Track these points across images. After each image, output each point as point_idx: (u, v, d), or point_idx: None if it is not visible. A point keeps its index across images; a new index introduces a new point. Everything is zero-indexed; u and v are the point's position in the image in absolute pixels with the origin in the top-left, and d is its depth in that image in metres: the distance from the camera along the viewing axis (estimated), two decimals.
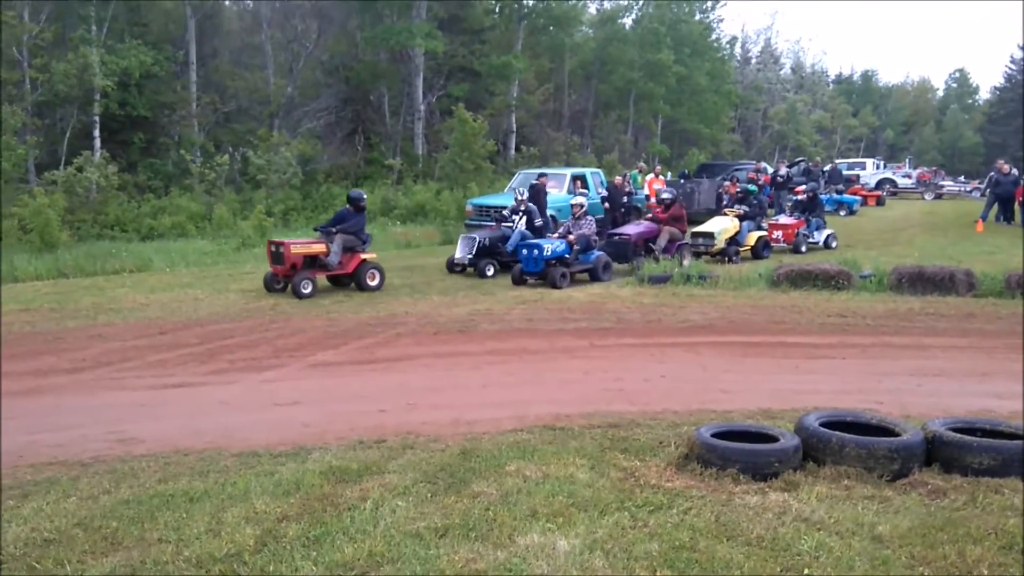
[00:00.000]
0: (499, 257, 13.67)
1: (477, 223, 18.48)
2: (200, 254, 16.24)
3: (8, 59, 20.78)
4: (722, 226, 15.41)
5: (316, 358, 8.06)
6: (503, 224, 14.34)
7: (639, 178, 21.45)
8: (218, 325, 9.65)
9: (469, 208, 19.13)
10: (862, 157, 45.15)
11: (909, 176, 39.20)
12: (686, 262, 13.65)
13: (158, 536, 3.79)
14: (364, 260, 12.01)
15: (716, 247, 14.92)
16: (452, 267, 13.80)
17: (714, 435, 4.59)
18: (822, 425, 4.62)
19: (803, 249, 16.24)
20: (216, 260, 15.77)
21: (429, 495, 4.23)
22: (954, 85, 73.42)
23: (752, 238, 15.64)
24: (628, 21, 39.33)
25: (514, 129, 31.41)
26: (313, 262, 11.73)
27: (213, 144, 24.31)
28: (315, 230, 12.52)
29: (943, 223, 23.05)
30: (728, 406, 6.13)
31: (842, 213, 25.50)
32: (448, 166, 24.93)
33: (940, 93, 74.58)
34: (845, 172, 32.33)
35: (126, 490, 4.43)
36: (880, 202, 30.55)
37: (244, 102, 26.28)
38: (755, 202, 16.56)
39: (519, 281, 12.32)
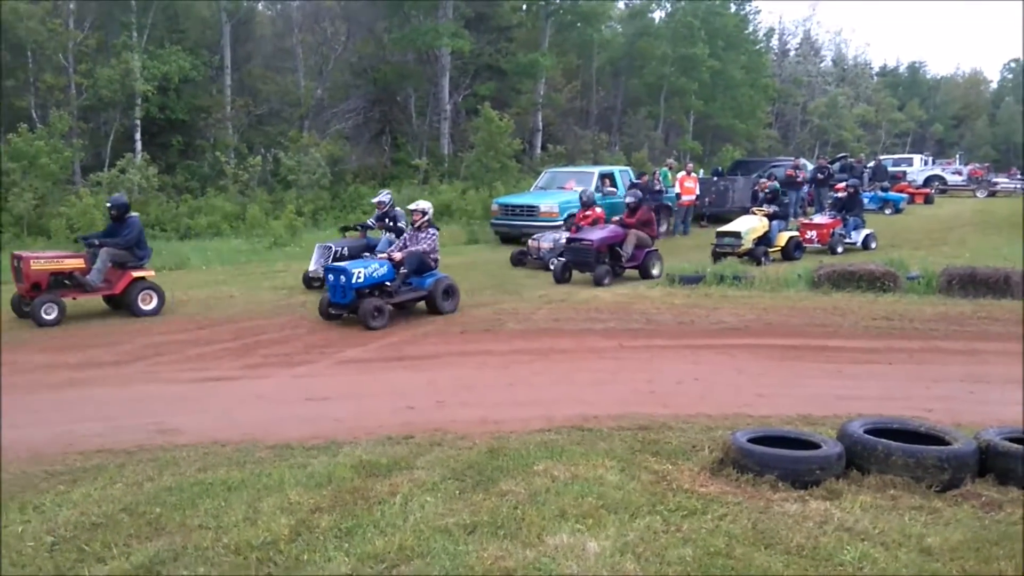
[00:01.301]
0: None
1: (504, 223, 18.51)
2: (234, 252, 16.60)
3: (55, 65, 21.45)
4: (749, 226, 14.87)
5: (345, 355, 8.21)
6: (385, 232, 12.42)
7: (669, 175, 21.21)
8: (252, 321, 9.88)
9: (495, 207, 19.16)
10: (909, 152, 42.98)
11: (960, 172, 37.57)
12: (655, 271, 12.80)
13: (199, 522, 3.93)
14: (137, 279, 10.24)
15: (743, 247, 14.42)
16: (308, 282, 12.04)
17: (751, 440, 4.46)
18: (867, 432, 4.47)
19: (839, 250, 15.71)
20: (249, 258, 16.09)
21: (457, 492, 4.26)
22: (1009, 76, 69.10)
23: (783, 238, 15.12)
24: (658, 15, 38.43)
25: (540, 127, 31.26)
26: (65, 280, 9.95)
27: (246, 146, 24.70)
28: (78, 240, 11.05)
29: (996, 222, 22.07)
30: (765, 411, 5.98)
31: (887, 211, 24.70)
32: (474, 165, 24.97)
33: (994, 85, 70.63)
34: (891, 168, 31.17)
35: (168, 478, 4.60)
36: (929, 200, 29.40)
37: (276, 104, 26.66)
38: (785, 201, 16.05)
39: (326, 315, 9.63)
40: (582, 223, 14.24)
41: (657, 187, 19.73)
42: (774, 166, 24.97)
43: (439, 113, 28.56)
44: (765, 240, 14.88)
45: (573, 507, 3.97)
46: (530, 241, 14.88)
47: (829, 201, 18.95)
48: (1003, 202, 30.08)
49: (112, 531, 3.86)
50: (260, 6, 30.97)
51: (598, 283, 12.00)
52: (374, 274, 9.54)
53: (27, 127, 18.45)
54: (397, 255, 9.93)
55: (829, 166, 24.57)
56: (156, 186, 20.85)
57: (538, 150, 30.86)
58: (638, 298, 11.07)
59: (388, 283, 9.75)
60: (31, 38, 20.33)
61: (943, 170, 37.62)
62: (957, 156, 48.24)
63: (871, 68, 61.84)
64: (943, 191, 33.89)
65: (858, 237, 16.40)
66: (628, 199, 13.44)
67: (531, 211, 17.96)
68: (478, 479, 4.45)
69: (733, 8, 39.50)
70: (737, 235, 14.57)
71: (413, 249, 10.20)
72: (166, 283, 12.76)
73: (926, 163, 37.77)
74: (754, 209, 15.92)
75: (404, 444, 5.24)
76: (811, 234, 16.15)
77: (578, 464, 4.65)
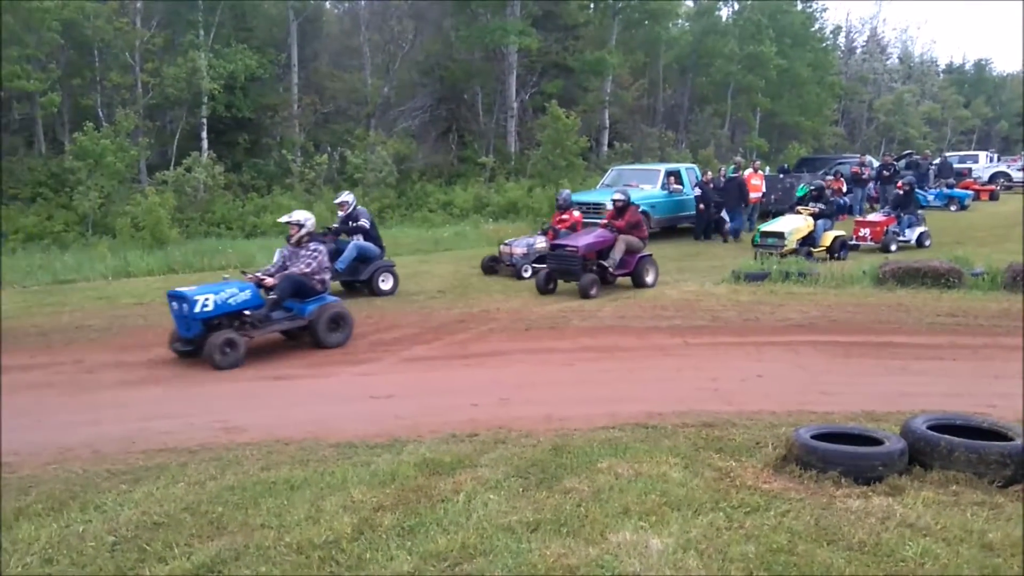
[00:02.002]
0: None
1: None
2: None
3: (121, 64, 21.81)
4: (793, 225, 14.59)
5: (410, 352, 8.22)
6: (352, 237, 11.66)
7: (734, 170, 20.92)
8: None
9: None
10: (974, 150, 43.02)
11: None
12: (649, 278, 11.82)
13: (261, 522, 3.93)
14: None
15: (787, 247, 14.06)
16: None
17: (814, 437, 4.45)
18: (930, 428, 4.47)
19: (892, 248, 15.38)
20: None
21: (521, 490, 4.25)
22: None
23: (828, 238, 14.74)
24: (725, 13, 38.45)
25: (607, 125, 31.16)
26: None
27: (313, 144, 25.01)
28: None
29: None
30: (829, 407, 5.96)
31: (953, 208, 24.72)
32: (540, 163, 24.95)
33: None
34: (956, 165, 31.26)
35: (231, 477, 4.62)
36: (994, 196, 29.36)
37: (342, 103, 26.97)
38: (831, 200, 15.72)
39: (177, 351, 7.93)
40: (559, 227, 13.23)
41: (723, 185, 19.48)
42: (840, 163, 24.94)
43: (506, 111, 28.58)
44: (810, 240, 14.54)
45: (636, 504, 3.97)
46: (501, 246, 13.65)
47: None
48: None
49: (174, 531, 3.87)
50: (327, 4, 31.42)
51: (584, 294, 10.99)
52: (229, 300, 7.79)
53: (93, 126, 18.67)
54: (269, 280, 8.25)
55: (895, 163, 24.62)
56: (222, 184, 21.19)
57: (605, 148, 30.75)
58: (704, 295, 11.09)
59: (249, 311, 8.04)
60: (98, 37, 20.64)
61: (1008, 167, 37.48)
62: (1022, 153, 47.49)
63: (937, 65, 61.73)
64: (1008, 188, 33.86)
65: (912, 235, 16.16)
66: (617, 196, 12.16)
67: (597, 208, 17.85)
68: (542, 477, 4.45)
69: (800, 6, 39.49)
70: (780, 235, 14.28)
71: (293, 272, 8.44)
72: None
73: (991, 160, 37.86)
74: (799, 208, 15.54)
75: (468, 442, 5.22)
76: (865, 232, 15.92)
77: (642, 461, 4.65)
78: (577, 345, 8.47)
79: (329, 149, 24.26)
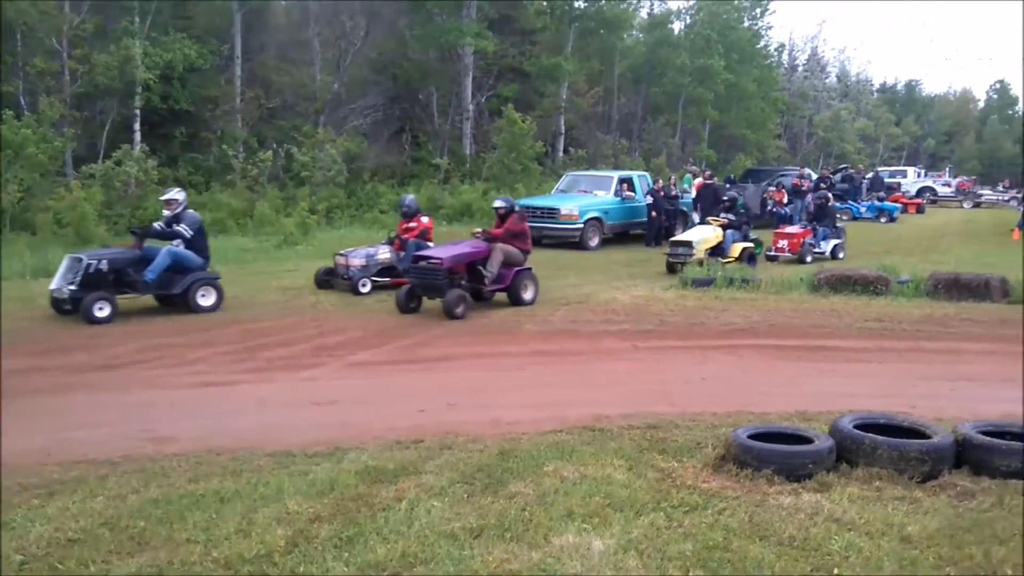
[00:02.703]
0: (130, 288, 9.77)
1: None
2: (240, 251, 16.19)
3: (47, 49, 20.48)
4: (702, 235, 14.61)
5: (356, 357, 7.99)
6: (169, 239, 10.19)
7: (691, 180, 21.33)
8: (257, 323, 9.54)
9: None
10: (904, 165, 46.14)
11: (949, 185, 40.74)
12: (527, 295, 10.70)
13: (187, 536, 3.71)
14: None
15: (695, 258, 13.91)
16: (58, 307, 9.56)
17: (751, 436, 4.64)
18: (856, 427, 4.70)
19: (808, 259, 15.62)
20: (257, 257, 15.72)
21: (465, 495, 4.19)
22: (995, 96, 73.78)
23: (736, 249, 14.70)
24: (677, 26, 39.38)
25: (563, 131, 31.38)
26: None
27: (256, 140, 24.27)
28: None
29: (981, 231, 23.77)
30: (766, 408, 6.14)
31: (883, 220, 26.41)
32: (496, 167, 24.93)
33: (981, 104, 75.17)
34: (887, 180, 33.47)
35: (155, 490, 4.35)
36: (920, 210, 31.57)
37: (289, 98, 26.23)
38: (742, 211, 15.82)
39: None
40: (406, 236, 12.09)
41: (673, 192, 19.86)
42: (782, 175, 25.76)
43: (461, 113, 28.45)
44: (719, 250, 14.50)
45: (580, 507, 4.02)
46: (337, 257, 12.01)
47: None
48: (987, 212, 33.19)
49: (90, 547, 3.62)
50: None
51: (449, 313, 9.63)
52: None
53: (13, 114, 17.44)
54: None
55: (831, 176, 25.84)
56: (155, 179, 20.08)
57: (560, 153, 30.95)
58: (653, 300, 11.30)
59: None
60: (21, 20, 19.43)
61: (934, 182, 40.96)
62: (947, 169, 52.32)
63: (872, 85, 65.32)
64: (933, 202, 36.77)
65: (827, 247, 16.52)
66: (498, 203, 11.23)
67: (552, 213, 18.00)
68: (487, 482, 4.41)
69: (747, 24, 41.07)
70: (689, 244, 14.23)
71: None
72: None
73: (919, 175, 41.13)
74: (710, 219, 15.63)
75: (413, 448, 5.09)
76: (783, 243, 16.14)
77: (587, 464, 4.69)
78: (528, 349, 8.43)
79: (274, 146, 23.57)
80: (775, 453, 4.45)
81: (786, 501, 4.08)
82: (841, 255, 16.49)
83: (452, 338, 8.86)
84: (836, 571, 3.36)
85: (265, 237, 17.93)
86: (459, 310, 9.70)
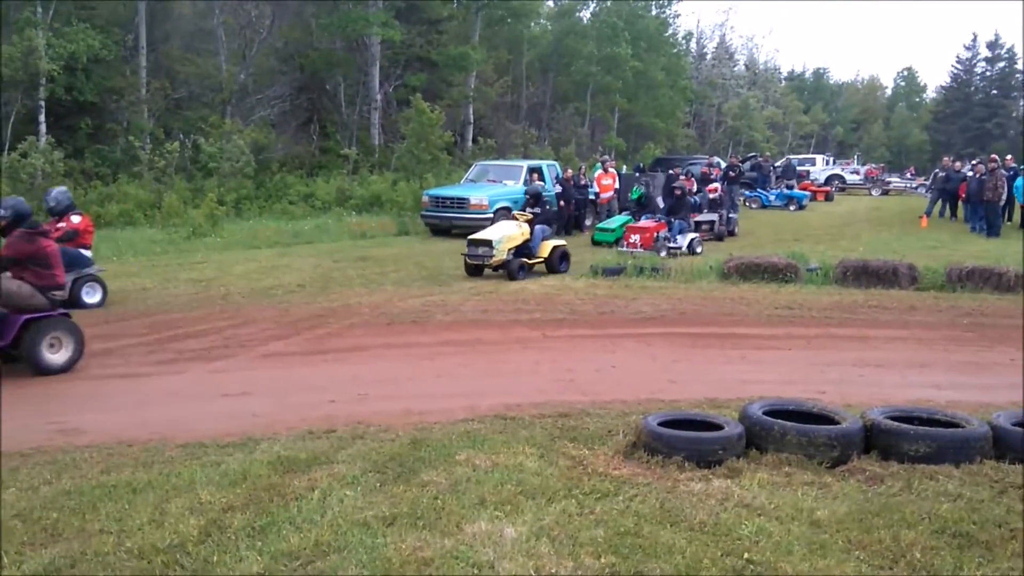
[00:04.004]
0: None
1: (434, 214, 18.50)
2: (149, 243, 15.88)
3: None
4: (504, 232, 12.48)
5: (267, 348, 7.97)
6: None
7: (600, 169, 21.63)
8: (166, 315, 9.47)
9: (425, 199, 19.09)
10: (812, 153, 46.37)
11: (857, 172, 40.90)
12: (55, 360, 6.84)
13: (99, 527, 3.72)
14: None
15: (495, 259, 12.08)
16: None
17: (661, 424, 4.65)
18: (765, 414, 4.72)
19: (662, 254, 14.55)
20: (165, 249, 15.43)
21: (378, 484, 4.21)
22: (902, 83, 75.08)
23: (546, 248, 12.87)
24: (585, 15, 39.53)
25: (471, 120, 31.35)
26: None
27: (163, 131, 23.69)
28: None
29: (889, 218, 23.77)
30: (676, 395, 6.21)
31: (792, 208, 26.49)
32: (405, 156, 24.82)
33: (889, 91, 76.33)
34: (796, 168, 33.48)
35: (67, 481, 4.34)
36: (829, 197, 31.71)
37: (196, 88, 25.69)
38: (547, 205, 14.23)
39: None
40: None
41: (583, 182, 20.04)
42: (691, 163, 26.03)
43: (369, 103, 28.18)
44: (525, 250, 12.62)
45: (493, 495, 4.03)
46: None
47: (742, 197, 19.71)
48: (895, 200, 33.17)
49: (3, 539, 3.61)
50: None
51: None
52: None
53: None
54: None
55: (740, 164, 26.05)
56: (62, 171, 19.64)
57: (469, 143, 30.92)
58: (564, 289, 11.34)
59: None
60: None
61: (842, 170, 40.93)
62: (855, 157, 52.34)
63: (780, 73, 66.02)
64: (842, 189, 36.74)
65: (683, 241, 15.28)
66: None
67: (461, 203, 18.05)
68: (399, 471, 4.42)
69: (655, 11, 41.18)
70: (488, 243, 12.18)
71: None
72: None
73: (827, 163, 40.97)
74: (515, 213, 13.89)
75: (325, 438, 5.12)
76: (635, 238, 15.15)
77: (499, 452, 4.71)
78: (439, 339, 8.45)
79: (181, 136, 23.07)
80: (685, 440, 4.46)
81: (696, 487, 4.12)
82: (700, 250, 15.32)
83: (363, 329, 8.89)
84: (746, 555, 3.38)
85: (174, 229, 17.53)
86: None
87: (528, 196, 14.15)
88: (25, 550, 3.52)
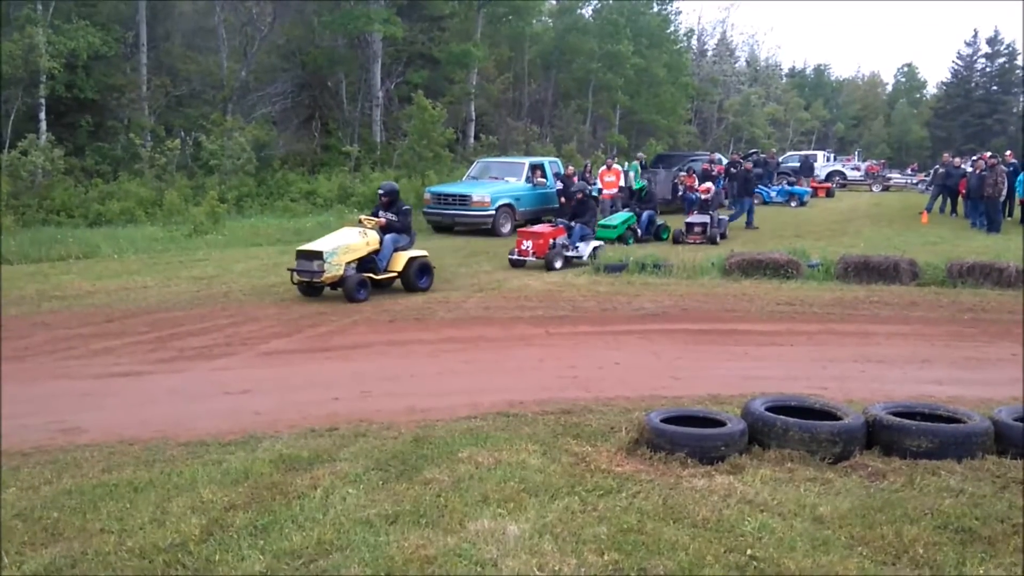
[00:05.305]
0: None
1: (436, 211, 18.51)
2: (150, 241, 15.86)
3: None
4: (340, 243, 10.28)
5: (269, 346, 7.97)
6: None
7: (638, 168, 21.68)
8: (167, 313, 9.47)
9: (427, 196, 19.10)
10: (813, 149, 46.44)
11: (858, 168, 41.07)
12: None
13: (100, 526, 3.72)
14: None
15: (328, 275, 9.97)
16: None
17: (663, 420, 4.65)
18: (768, 410, 4.73)
19: (557, 265, 12.81)
20: (167, 247, 15.42)
21: (380, 482, 4.21)
22: (903, 80, 75.22)
23: (399, 260, 10.73)
24: (587, 11, 39.49)
25: (473, 117, 31.30)
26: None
27: (164, 128, 23.66)
28: None
29: (889, 214, 23.83)
30: (679, 392, 6.22)
31: (793, 204, 26.60)
32: (406, 154, 24.78)
33: (889, 88, 76.42)
34: (795, 164, 33.43)
35: (68, 480, 4.34)
36: (830, 194, 31.72)
37: (197, 86, 25.65)
38: (405, 208, 11.19)
39: None
40: None
41: (588, 180, 20.09)
42: (693, 160, 26.03)
43: (371, 100, 28.13)
44: (370, 264, 10.56)
45: (495, 492, 4.02)
46: None
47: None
48: (895, 196, 33.31)
49: (3, 539, 3.61)
50: None
51: None
52: None
53: None
54: None
55: (741, 161, 25.94)
56: (62, 169, 19.62)
57: (471, 140, 30.87)
58: (566, 286, 11.36)
59: None
60: None
61: (843, 166, 41.03)
62: (856, 153, 52.35)
63: (781, 69, 65.88)
64: (843, 185, 36.80)
65: (585, 250, 13.51)
66: None
67: (463, 200, 18.08)
68: (402, 468, 4.42)
69: (656, 8, 41.10)
70: (319, 256, 9.96)
71: None
72: (74, 273, 12.25)
73: (828, 159, 41.16)
74: (362, 218, 11.30)
75: (327, 436, 5.12)
76: (527, 244, 13.19)
77: (502, 449, 4.70)
78: (441, 336, 8.46)
79: (182, 134, 23.06)
80: (688, 436, 4.46)
81: (699, 484, 4.11)
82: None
83: (365, 326, 8.90)
84: (749, 552, 3.38)
85: (175, 226, 17.53)
86: None
87: (383, 195, 11.13)
88: (26, 550, 3.52)
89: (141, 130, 22.81)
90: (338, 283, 10.17)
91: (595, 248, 13.66)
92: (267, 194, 22.82)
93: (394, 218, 10.89)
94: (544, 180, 19.46)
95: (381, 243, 10.64)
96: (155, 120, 23.82)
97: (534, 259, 13.03)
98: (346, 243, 10.31)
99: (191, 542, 3.53)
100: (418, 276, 10.87)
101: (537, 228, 13.87)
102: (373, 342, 8.22)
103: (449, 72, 30.15)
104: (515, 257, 13.25)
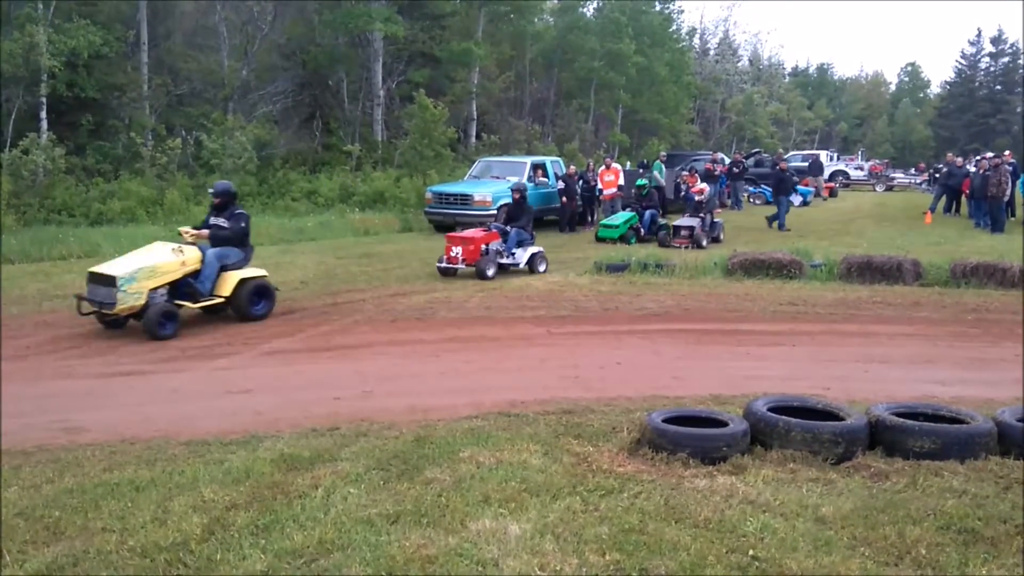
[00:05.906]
0: None
1: (438, 211, 18.51)
2: (151, 239, 15.76)
3: None
4: (143, 264, 8.31)
5: (270, 345, 7.98)
6: None
7: (662, 168, 21.67)
8: None
9: (429, 196, 19.10)
10: (816, 149, 46.37)
11: (861, 168, 41.11)
12: None
13: (102, 525, 3.72)
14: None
15: (122, 305, 8.00)
16: None
17: (665, 420, 4.65)
18: (770, 410, 4.71)
19: (489, 273, 11.83)
20: None
21: (382, 482, 4.21)
22: (906, 79, 75.10)
23: (228, 283, 8.80)
24: (589, 10, 39.47)
25: (475, 116, 31.27)
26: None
27: (165, 127, 23.60)
28: None
29: (893, 214, 23.85)
30: (680, 392, 6.23)
31: (796, 203, 26.26)
32: (408, 153, 24.77)
33: (893, 87, 76.25)
34: (798, 164, 33.45)
35: (70, 479, 4.34)
36: (833, 193, 31.76)
37: (197, 85, 25.59)
38: (238, 213, 9.28)
39: None
40: None
41: (591, 180, 20.15)
42: (695, 159, 26.06)
43: (372, 99, 28.11)
44: (189, 288, 8.61)
45: (497, 492, 4.01)
46: None
47: (746, 193, 19.43)
48: (899, 195, 33.29)
49: (5, 537, 3.62)
50: None
51: None
52: None
53: None
54: None
55: (743, 160, 25.89)
56: (63, 168, 19.55)
57: (473, 139, 30.83)
58: (568, 285, 11.35)
59: None
60: None
61: (847, 166, 41.27)
62: (859, 153, 52.50)
63: (783, 68, 65.66)
64: (846, 185, 36.99)
65: (521, 256, 12.45)
66: None
67: (465, 200, 18.06)
68: (403, 468, 4.42)
69: (658, 7, 41.13)
70: (112, 282, 7.98)
71: None
72: (75, 272, 12.24)
73: (832, 159, 40.99)
74: (182, 230, 9.24)
75: (329, 436, 5.13)
76: (456, 251, 11.97)
77: (503, 449, 4.70)
78: (443, 336, 8.46)
79: (183, 133, 23.02)
80: (690, 436, 4.46)
81: (701, 484, 4.11)
82: (543, 267, 12.65)
83: (367, 326, 8.90)
84: (751, 552, 3.38)
85: (176, 225, 17.47)
86: None
87: (217, 195, 9.39)
88: (27, 549, 3.52)
89: (142, 129, 22.78)
90: (135, 315, 8.27)
91: (534, 255, 12.57)
92: (268, 193, 22.81)
93: (224, 225, 8.98)
94: (546, 179, 19.45)
95: (203, 261, 8.76)
96: (156, 119, 23.79)
97: (464, 267, 11.95)
98: (151, 264, 8.32)
99: (192, 541, 3.53)
100: (252, 301, 8.93)
101: (468, 233, 12.57)
102: (374, 341, 8.23)
103: (450, 71, 30.12)
104: (443, 265, 12.06)
